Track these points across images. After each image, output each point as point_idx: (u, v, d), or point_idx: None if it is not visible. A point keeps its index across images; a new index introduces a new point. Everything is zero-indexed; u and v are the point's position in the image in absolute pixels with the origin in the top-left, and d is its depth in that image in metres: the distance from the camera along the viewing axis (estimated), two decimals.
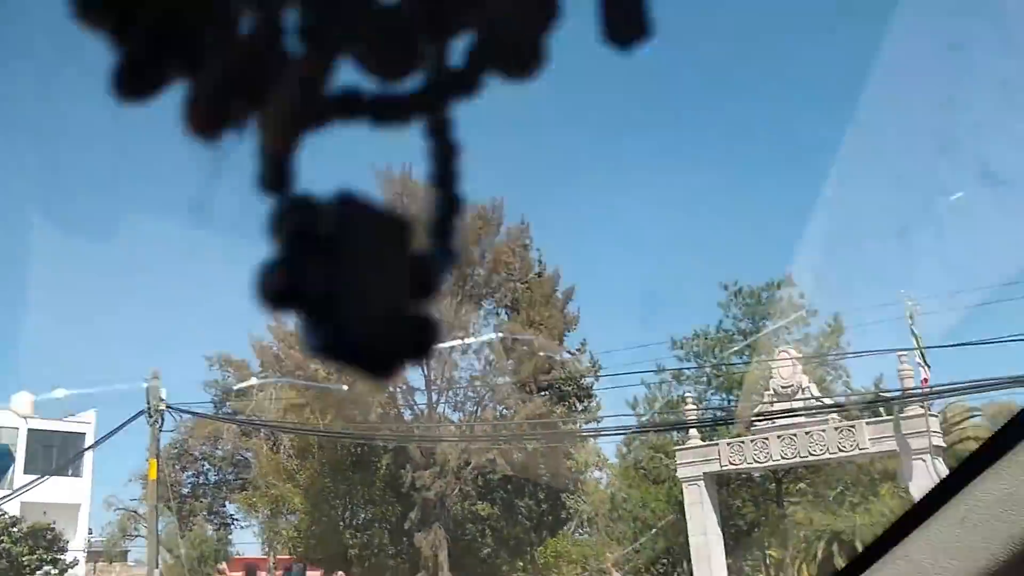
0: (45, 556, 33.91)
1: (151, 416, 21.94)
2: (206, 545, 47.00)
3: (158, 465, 22.97)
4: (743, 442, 25.90)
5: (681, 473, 26.73)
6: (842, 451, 23.66)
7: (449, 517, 34.45)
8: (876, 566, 0.95)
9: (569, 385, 35.33)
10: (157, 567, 21.54)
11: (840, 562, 37.72)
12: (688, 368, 30.54)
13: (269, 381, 35.89)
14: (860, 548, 31.70)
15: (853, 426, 23.89)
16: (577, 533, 39.85)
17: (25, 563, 33.07)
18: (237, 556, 49.85)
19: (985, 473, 0.79)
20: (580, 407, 36.02)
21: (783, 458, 25.06)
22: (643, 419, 33.02)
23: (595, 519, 37.79)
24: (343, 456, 36.50)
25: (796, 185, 60.86)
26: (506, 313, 36.37)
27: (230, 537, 50.36)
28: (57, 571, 34.24)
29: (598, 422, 36.68)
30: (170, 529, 48.39)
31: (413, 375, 35.31)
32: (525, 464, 34.61)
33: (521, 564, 41.05)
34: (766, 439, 25.30)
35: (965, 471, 0.84)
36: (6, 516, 33.15)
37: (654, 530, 30.19)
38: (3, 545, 32.55)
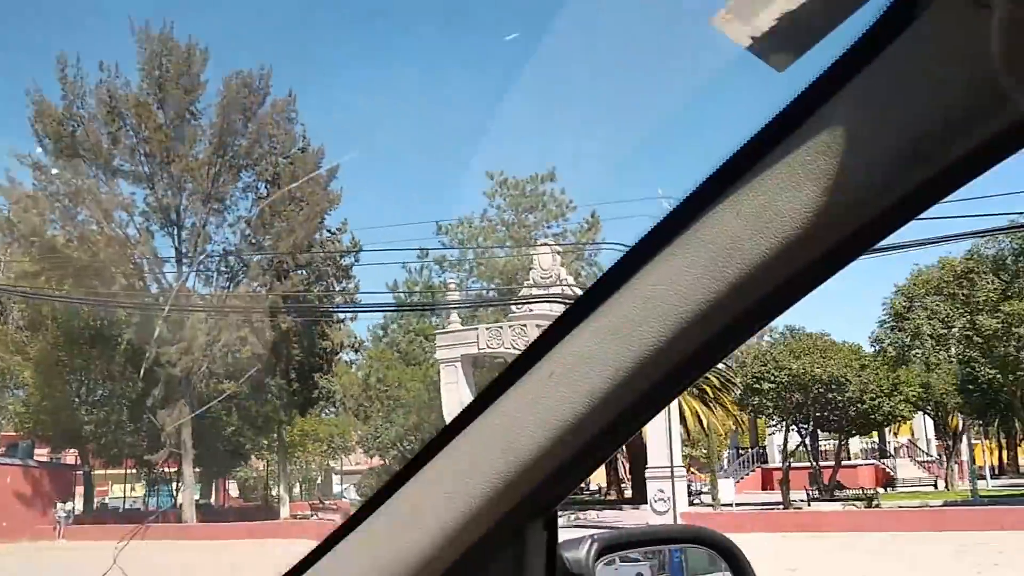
0: None
1: None
2: None
3: None
4: (501, 327, 26.65)
5: (439, 355, 27.23)
6: None
7: (194, 395, 33.32)
8: (477, 421, 0.96)
9: (328, 264, 34.72)
10: None
11: None
12: (449, 250, 30.76)
13: None
14: None
15: None
16: (326, 413, 39.90)
17: None
18: None
19: (571, 334, 0.85)
20: (338, 287, 35.55)
21: None
22: (403, 301, 33.19)
23: (345, 399, 37.92)
24: (80, 329, 34.22)
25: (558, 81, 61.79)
26: (266, 187, 34.93)
27: None
28: None
29: (355, 303, 36.45)
30: None
31: (162, 246, 33.45)
32: (278, 343, 33.93)
33: (267, 442, 40.72)
34: (524, 325, 26.14)
35: (555, 332, 0.88)
36: None
37: (407, 409, 30.68)
38: None
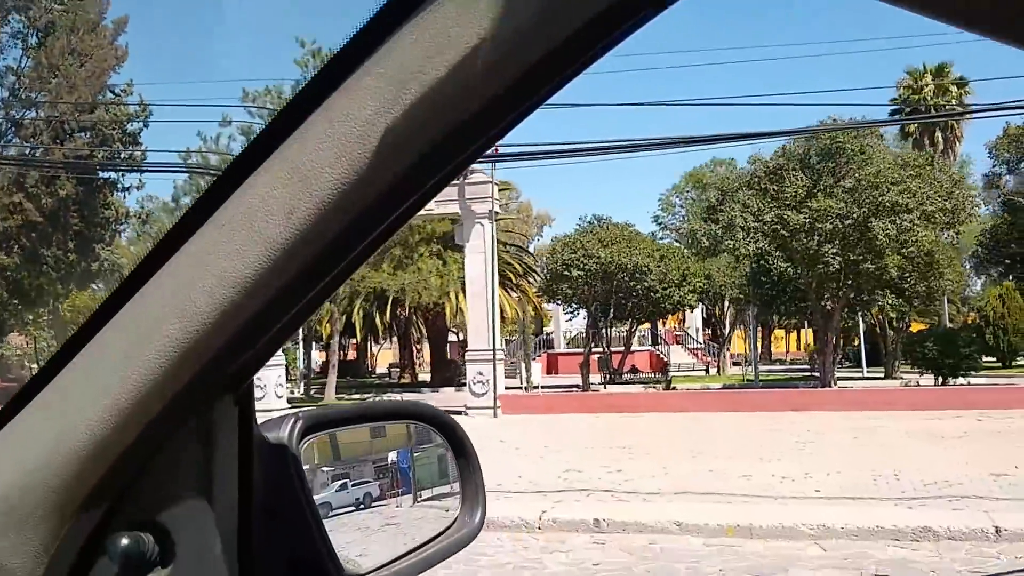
0: None
1: None
2: None
3: None
4: None
5: None
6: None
7: None
8: (147, 284, 0.89)
9: (113, 128, 31.72)
10: None
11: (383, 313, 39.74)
12: (255, 122, 28.97)
13: None
14: (413, 301, 33.91)
15: None
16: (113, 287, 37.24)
17: None
18: None
19: (247, 180, 0.82)
20: (124, 154, 32.65)
21: None
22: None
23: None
24: None
25: None
26: (38, 36, 31.18)
27: None
28: None
29: (142, 172, 33.74)
30: None
31: None
32: (55, 211, 31.01)
33: (33, 317, 37.64)
34: None
35: (231, 177, 0.83)
36: None
37: None
38: None
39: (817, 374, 27.31)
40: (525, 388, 28.81)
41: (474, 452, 1.44)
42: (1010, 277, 34.14)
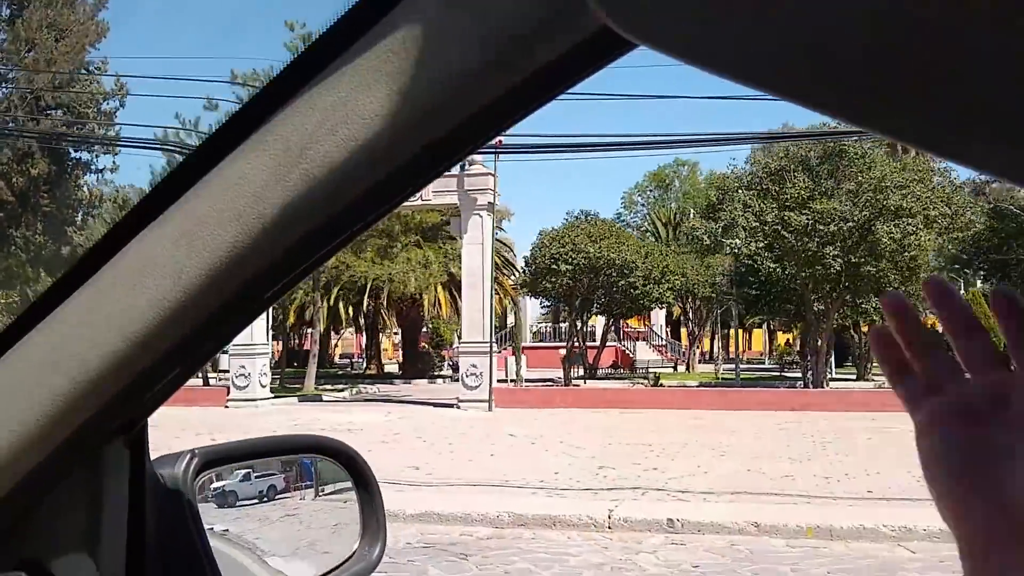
0: None
1: None
2: None
3: None
4: None
5: None
6: (407, 202, 23.79)
7: None
8: (30, 335, 0.88)
9: (89, 107, 30.71)
10: None
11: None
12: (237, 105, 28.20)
13: None
14: (398, 292, 33.49)
15: None
16: None
17: None
18: None
19: (139, 235, 0.81)
20: (100, 132, 31.64)
21: None
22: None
23: None
24: None
25: None
26: (13, 8, 30.02)
27: None
28: None
29: (115, 154, 32.73)
30: None
31: None
32: (26, 190, 29.97)
33: (4, 301, 36.44)
34: None
35: (121, 232, 0.82)
36: None
37: None
38: None
39: (794, 374, 27.58)
40: (515, 382, 28.58)
41: (376, 484, 1.41)
42: (991, 283, 34.85)
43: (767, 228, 22.77)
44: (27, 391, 0.87)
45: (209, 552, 1.11)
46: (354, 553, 1.37)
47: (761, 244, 23.43)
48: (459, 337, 25.84)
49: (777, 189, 22.88)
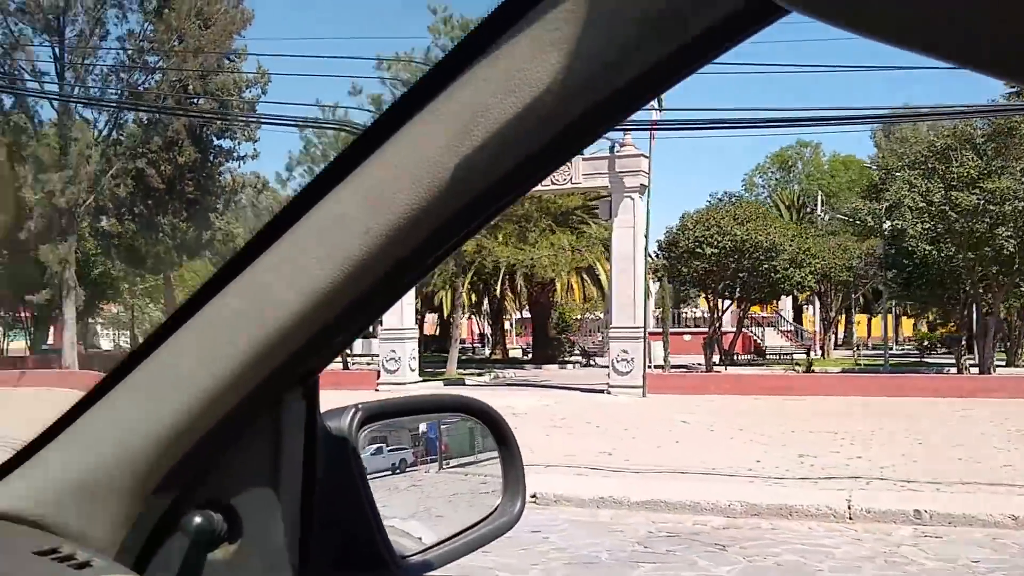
0: None
1: None
2: None
3: None
4: None
5: None
6: (555, 184, 23.50)
7: (75, 231, 29.65)
8: (229, 286, 0.96)
9: (232, 94, 31.28)
10: None
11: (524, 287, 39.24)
12: (383, 89, 28.40)
13: None
14: (538, 277, 33.29)
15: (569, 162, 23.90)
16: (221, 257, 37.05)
17: None
18: None
19: (328, 195, 0.87)
20: (243, 120, 32.19)
21: None
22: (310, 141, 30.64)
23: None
24: None
25: None
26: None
27: None
28: None
29: (255, 141, 33.34)
30: None
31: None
32: (173, 178, 30.74)
33: (144, 286, 37.69)
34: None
35: (313, 191, 0.90)
36: None
37: None
38: None
39: (938, 359, 26.30)
40: (662, 368, 28.06)
41: (516, 444, 1.47)
42: None
43: (933, 208, 21.72)
44: (221, 344, 0.96)
45: (371, 499, 1.18)
46: (496, 508, 1.44)
47: (927, 225, 22.39)
48: (593, 323, 25.43)
49: (943, 168, 21.80)
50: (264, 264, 0.92)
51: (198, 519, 1.06)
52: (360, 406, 1.26)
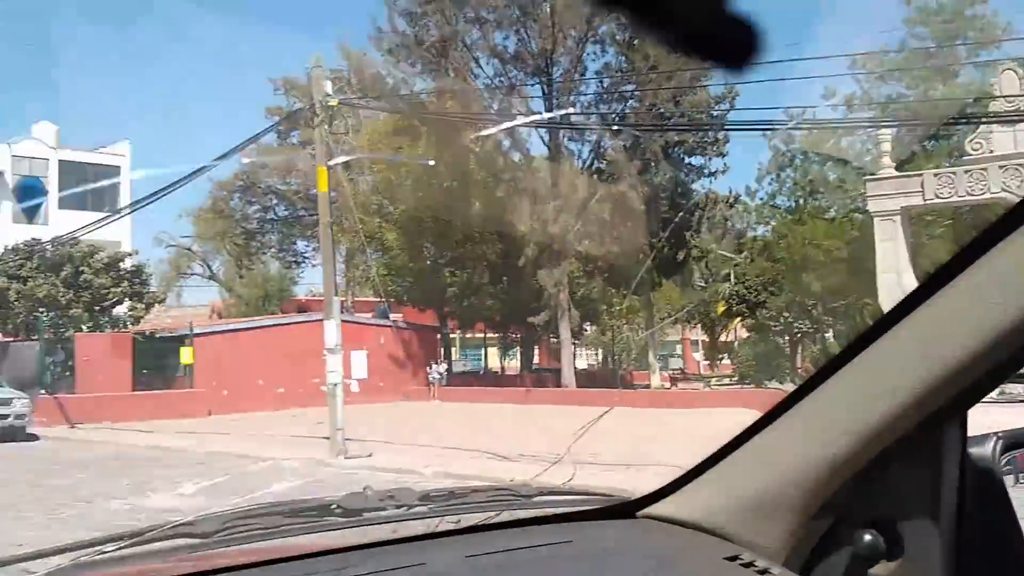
0: (129, 289, 30.93)
1: (316, 114, 17.85)
2: (271, 283, 44.26)
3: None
4: (955, 173, 22.92)
5: (873, 206, 23.78)
6: None
7: (569, 255, 31.51)
8: (902, 326, 1.03)
9: (702, 112, 31.46)
10: (337, 294, 18.59)
11: None
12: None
13: (354, 102, 31.13)
14: None
15: None
16: (695, 278, 37.64)
17: (108, 295, 30.13)
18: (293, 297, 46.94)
19: (1007, 239, 0.87)
20: (712, 136, 32.41)
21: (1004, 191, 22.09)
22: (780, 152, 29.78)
23: (714, 261, 35.46)
24: (438, 192, 32.31)
25: None
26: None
27: (301, 275, 47.01)
28: (143, 305, 31.31)
29: (724, 156, 33.38)
30: (228, 266, 45.68)
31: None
32: (650, 199, 31.70)
33: (620, 308, 39.23)
34: (984, 169, 22.26)
35: (985, 240, 0.93)
36: (83, 246, 29.83)
37: (819, 270, 27.62)
38: (84, 276, 29.45)
39: None
40: None
41: None
42: None
43: None
44: (891, 376, 1.03)
45: (1019, 531, 1.14)
46: None
47: None
48: None
49: None
50: (928, 312, 0.98)
51: (867, 536, 1.12)
52: (1001, 433, 1.27)
